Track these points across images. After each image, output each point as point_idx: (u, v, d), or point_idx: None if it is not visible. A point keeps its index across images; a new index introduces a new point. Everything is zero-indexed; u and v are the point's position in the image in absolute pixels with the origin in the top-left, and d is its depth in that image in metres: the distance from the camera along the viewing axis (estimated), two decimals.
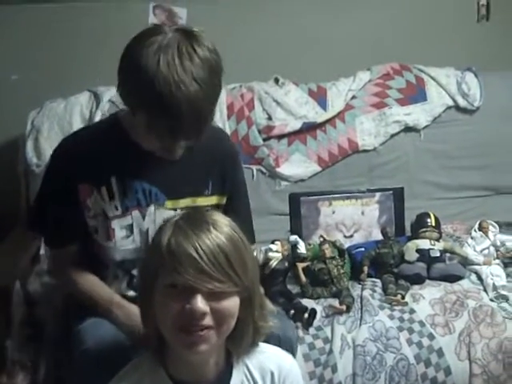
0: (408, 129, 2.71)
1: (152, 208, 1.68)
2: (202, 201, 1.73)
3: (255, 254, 2.20)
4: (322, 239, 2.23)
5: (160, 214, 1.66)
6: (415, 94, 2.73)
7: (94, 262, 1.71)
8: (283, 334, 1.61)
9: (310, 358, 1.93)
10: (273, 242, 2.17)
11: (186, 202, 1.70)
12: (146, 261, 1.28)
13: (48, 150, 2.45)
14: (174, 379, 1.27)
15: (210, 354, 1.27)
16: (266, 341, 1.40)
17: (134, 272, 1.71)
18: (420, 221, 2.32)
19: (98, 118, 2.48)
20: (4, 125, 2.66)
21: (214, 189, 1.75)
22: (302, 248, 2.18)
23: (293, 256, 2.20)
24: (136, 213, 1.67)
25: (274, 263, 2.14)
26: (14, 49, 2.66)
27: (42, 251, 2.27)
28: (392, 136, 2.70)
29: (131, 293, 1.71)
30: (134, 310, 1.53)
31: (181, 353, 1.25)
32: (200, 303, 1.19)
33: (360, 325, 2.01)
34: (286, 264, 2.17)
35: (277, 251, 2.15)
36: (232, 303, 1.24)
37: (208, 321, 1.21)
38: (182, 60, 1.43)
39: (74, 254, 1.70)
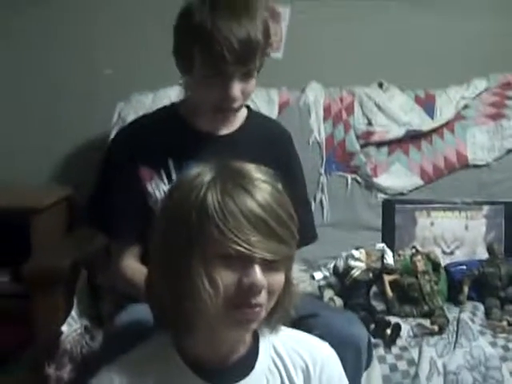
0: None
1: None
2: None
3: (335, 261, 1.97)
4: (414, 250, 1.96)
5: None
6: None
7: None
8: (343, 328, 1.44)
9: (391, 381, 1.70)
10: (357, 249, 1.92)
11: None
12: (179, 228, 1.02)
13: None
14: (189, 363, 1.06)
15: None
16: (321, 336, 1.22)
17: None
18: None
19: None
20: (97, 119, 2.59)
21: None
22: (389, 258, 1.93)
23: (380, 268, 1.94)
24: None
25: (356, 273, 1.91)
26: (108, 43, 2.64)
27: None
28: (509, 151, 2.40)
29: None
30: None
31: (218, 331, 1.03)
32: (259, 275, 1.00)
33: (454, 348, 1.74)
34: (371, 275, 1.92)
35: (359, 260, 1.91)
36: (281, 277, 1.05)
37: (263, 296, 1.02)
38: None
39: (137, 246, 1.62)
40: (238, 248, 0.97)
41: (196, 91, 1.58)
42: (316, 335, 1.36)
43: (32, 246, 2.26)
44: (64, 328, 1.86)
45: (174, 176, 1.58)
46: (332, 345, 1.38)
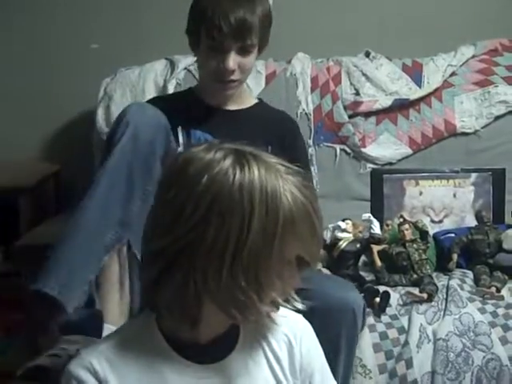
0: None
1: None
2: None
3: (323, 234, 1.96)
4: (401, 219, 1.95)
5: None
6: None
7: None
8: (339, 294, 1.50)
9: (381, 349, 1.70)
10: (343, 221, 1.92)
11: None
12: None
13: None
14: (171, 342, 1.04)
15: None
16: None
17: None
18: None
19: (172, 86, 2.37)
20: (82, 95, 2.57)
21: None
22: (376, 228, 1.92)
23: (367, 238, 1.94)
24: None
25: (343, 244, 1.90)
26: (93, 18, 2.60)
27: None
28: (497, 118, 2.39)
29: None
30: None
31: None
32: None
33: (443, 316, 1.74)
34: (359, 246, 1.92)
35: (346, 231, 1.90)
36: None
37: None
38: None
39: None
40: None
41: (201, 65, 1.82)
42: (309, 307, 1.40)
43: (21, 224, 2.25)
44: None
45: (181, 142, 1.74)
46: (329, 310, 1.46)
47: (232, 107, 1.84)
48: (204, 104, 1.83)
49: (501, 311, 1.76)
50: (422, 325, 1.72)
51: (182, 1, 2.52)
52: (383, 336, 1.71)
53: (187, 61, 2.40)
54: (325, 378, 1.13)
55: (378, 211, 2.08)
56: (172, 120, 1.62)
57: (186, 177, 0.97)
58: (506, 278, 1.87)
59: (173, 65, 2.43)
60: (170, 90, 2.36)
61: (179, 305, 0.99)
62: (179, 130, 1.76)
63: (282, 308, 1.07)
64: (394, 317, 1.76)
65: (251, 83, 2.32)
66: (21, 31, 2.61)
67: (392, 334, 1.72)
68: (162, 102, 1.77)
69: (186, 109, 1.80)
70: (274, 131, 1.81)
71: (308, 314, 1.43)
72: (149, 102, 1.84)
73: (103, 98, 2.40)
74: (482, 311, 1.76)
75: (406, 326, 1.73)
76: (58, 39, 2.61)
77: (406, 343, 1.69)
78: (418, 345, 1.69)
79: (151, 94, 2.35)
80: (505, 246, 1.93)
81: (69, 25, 2.60)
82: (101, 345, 1.05)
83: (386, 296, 1.75)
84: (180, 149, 1.68)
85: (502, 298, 1.79)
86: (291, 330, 1.11)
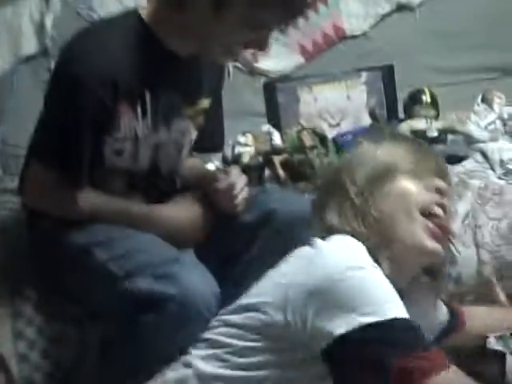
0: (401, 7, 2.42)
1: (175, 119, 1.47)
2: (202, 104, 1.53)
3: (223, 151, 1.95)
4: (299, 127, 1.96)
5: (178, 125, 1.48)
6: None
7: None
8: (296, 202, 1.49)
9: None
10: (243, 134, 1.91)
11: (194, 108, 1.50)
12: None
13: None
14: None
15: None
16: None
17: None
18: (413, 98, 2.07)
19: (49, 21, 2.24)
20: None
21: (208, 91, 1.54)
22: (276, 139, 1.92)
23: (269, 150, 1.94)
24: (164, 129, 1.46)
25: (245, 159, 1.89)
26: None
27: None
28: (383, 17, 2.41)
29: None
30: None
31: None
32: None
33: None
34: (261, 159, 1.91)
35: (246, 144, 1.89)
36: None
37: None
38: None
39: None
40: None
41: (222, 27, 1.32)
42: (269, 209, 1.46)
43: None
44: None
45: (148, 110, 1.41)
46: (287, 216, 1.46)
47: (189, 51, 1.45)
48: (167, 50, 1.40)
49: None
50: None
51: None
52: None
53: None
54: None
55: (275, 122, 2.08)
56: (137, 80, 1.37)
57: None
58: None
59: None
60: (48, 25, 2.24)
61: None
62: (147, 95, 1.40)
63: None
64: None
65: None
66: None
67: None
68: (117, 54, 1.36)
69: (150, 62, 1.39)
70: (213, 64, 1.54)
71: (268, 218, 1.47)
72: (97, 60, 1.35)
73: None
74: None
75: None
76: None
77: None
78: None
79: (30, 33, 2.22)
80: None
81: None
82: None
83: None
84: (147, 119, 1.41)
85: None
86: None
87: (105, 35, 1.40)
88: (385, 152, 1.23)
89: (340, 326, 1.01)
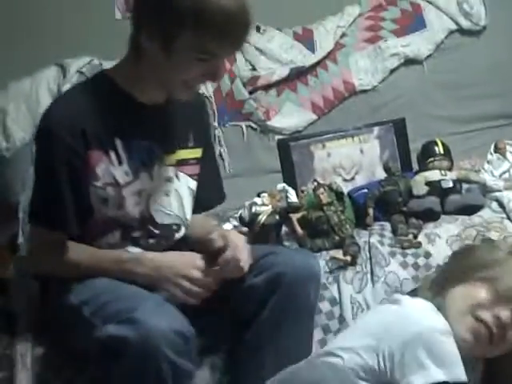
0: (409, 61, 2.48)
1: (156, 167, 1.52)
2: (188, 154, 1.58)
3: (240, 212, 1.97)
4: (315, 184, 1.97)
5: (161, 173, 1.53)
6: (412, 22, 2.50)
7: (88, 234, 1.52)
8: (304, 263, 1.54)
9: (317, 324, 1.68)
10: (258, 196, 1.93)
11: (177, 156, 1.55)
12: None
13: (17, 131, 2.30)
14: None
15: None
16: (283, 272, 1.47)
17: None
18: (426, 150, 2.07)
19: None
20: None
21: (195, 141, 1.60)
22: (292, 197, 1.93)
23: (285, 207, 1.95)
24: (144, 175, 1.50)
25: (262, 218, 1.90)
26: None
27: (20, 239, 2.10)
28: (392, 72, 2.46)
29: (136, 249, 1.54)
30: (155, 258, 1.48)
31: None
32: None
33: (371, 281, 1.78)
34: (278, 217, 1.92)
35: (264, 204, 1.91)
36: None
37: None
38: None
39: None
40: None
41: (177, 67, 1.40)
42: (277, 272, 1.48)
43: None
44: None
45: (123, 157, 1.47)
46: (295, 279, 1.48)
47: (159, 101, 1.52)
48: (139, 104, 1.48)
49: (421, 262, 1.80)
50: (351, 295, 1.74)
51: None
52: (317, 311, 1.66)
53: (78, 63, 2.36)
54: None
55: (290, 180, 2.10)
56: (105, 128, 1.44)
57: None
58: (421, 222, 1.92)
59: (64, 69, 2.37)
60: None
61: None
62: (118, 143, 1.46)
63: None
64: (323, 287, 1.73)
65: None
66: None
67: (325, 307, 1.73)
68: (86, 108, 1.44)
69: (118, 113, 1.47)
70: (193, 115, 1.61)
71: (277, 281, 1.48)
72: (67, 106, 1.46)
73: None
74: (404, 266, 1.80)
75: (337, 298, 1.74)
76: None
77: (341, 317, 1.72)
78: (354, 316, 1.72)
79: (47, 103, 2.27)
80: (414, 191, 1.97)
81: None
82: None
83: None
84: (124, 166, 1.47)
85: (420, 244, 1.84)
86: None
87: (74, 92, 1.53)
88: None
89: (419, 378, 1.26)
